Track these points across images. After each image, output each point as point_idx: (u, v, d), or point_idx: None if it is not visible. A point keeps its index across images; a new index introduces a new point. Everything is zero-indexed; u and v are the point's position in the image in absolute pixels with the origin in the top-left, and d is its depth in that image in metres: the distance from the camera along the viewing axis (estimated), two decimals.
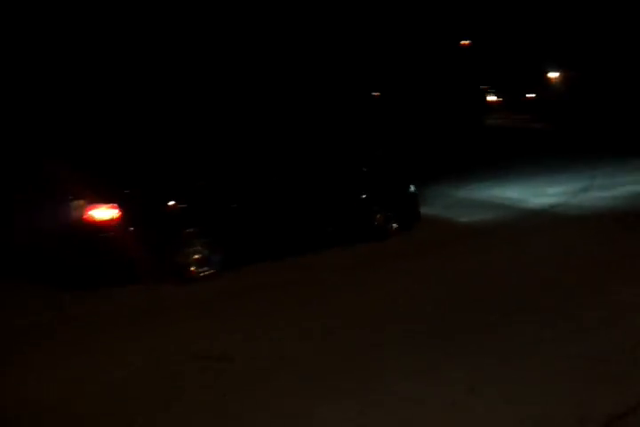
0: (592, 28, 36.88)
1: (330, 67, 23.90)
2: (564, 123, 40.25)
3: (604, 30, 36.49)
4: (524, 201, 14.20)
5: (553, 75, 55.41)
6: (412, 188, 11.57)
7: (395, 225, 10.87)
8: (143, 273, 7.63)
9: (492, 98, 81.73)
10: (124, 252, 7.53)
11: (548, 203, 13.92)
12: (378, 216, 10.58)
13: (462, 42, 38.17)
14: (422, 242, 10.50)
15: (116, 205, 7.80)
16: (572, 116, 40.87)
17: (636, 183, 15.03)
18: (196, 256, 8.23)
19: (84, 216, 7.72)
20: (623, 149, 21.83)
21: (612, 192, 14.51)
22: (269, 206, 9.31)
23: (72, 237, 7.60)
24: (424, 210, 11.90)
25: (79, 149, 9.22)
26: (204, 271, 8.25)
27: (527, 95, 79.48)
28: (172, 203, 8.24)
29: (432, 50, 32.39)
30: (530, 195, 14.72)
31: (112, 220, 7.71)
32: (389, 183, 11.38)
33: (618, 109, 34.12)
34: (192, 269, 8.16)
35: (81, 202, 7.74)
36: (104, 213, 7.69)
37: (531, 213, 13.13)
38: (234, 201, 8.94)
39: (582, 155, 22.13)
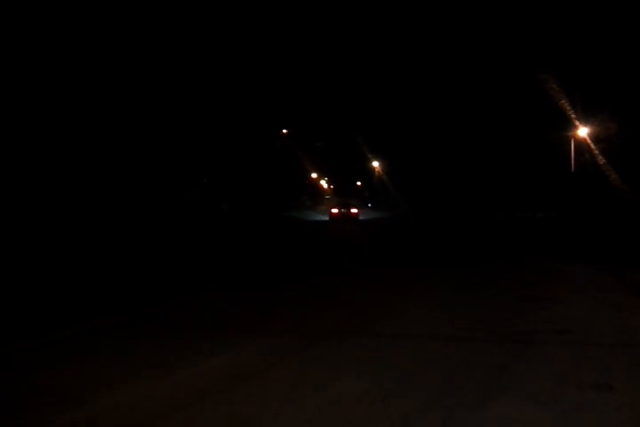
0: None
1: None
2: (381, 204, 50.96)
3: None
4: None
5: (375, 164, 59.15)
6: None
7: None
8: None
9: (325, 185, 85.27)
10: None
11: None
12: None
13: (284, 131, 39.97)
14: None
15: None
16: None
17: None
18: None
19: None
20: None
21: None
22: None
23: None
24: None
25: None
26: None
27: (357, 183, 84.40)
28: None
29: (254, 140, 33.16)
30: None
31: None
32: None
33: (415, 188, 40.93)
34: None
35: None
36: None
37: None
38: None
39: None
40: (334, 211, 35.70)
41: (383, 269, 12.96)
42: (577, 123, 31.54)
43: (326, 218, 36.56)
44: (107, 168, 20.79)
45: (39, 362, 5.85)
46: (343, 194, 75.85)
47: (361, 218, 37.22)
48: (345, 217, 34.12)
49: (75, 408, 4.48)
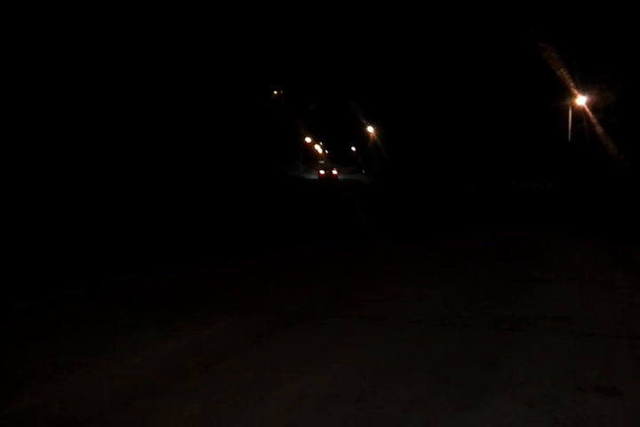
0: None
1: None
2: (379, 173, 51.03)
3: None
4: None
5: (370, 129, 57.96)
6: None
7: None
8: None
9: (319, 149, 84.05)
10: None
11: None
12: None
13: (274, 92, 38.88)
14: None
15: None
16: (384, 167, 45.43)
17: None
18: None
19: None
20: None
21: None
22: None
23: None
24: None
25: None
26: None
27: (352, 148, 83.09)
28: None
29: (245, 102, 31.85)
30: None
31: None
32: None
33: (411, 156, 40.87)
34: None
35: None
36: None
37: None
38: None
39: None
40: (322, 172, 52.33)
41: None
42: (575, 92, 30.59)
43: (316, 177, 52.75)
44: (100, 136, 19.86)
45: None
46: (337, 159, 74.95)
47: (339, 178, 53.15)
48: (328, 177, 50.77)
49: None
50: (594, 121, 30.42)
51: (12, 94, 14.21)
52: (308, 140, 68.43)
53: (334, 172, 52.72)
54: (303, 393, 3.92)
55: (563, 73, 29.70)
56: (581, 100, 30.65)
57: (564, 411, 3.62)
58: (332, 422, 3.54)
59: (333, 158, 78.27)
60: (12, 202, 12.57)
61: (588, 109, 30.81)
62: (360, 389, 4.00)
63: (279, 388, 4.03)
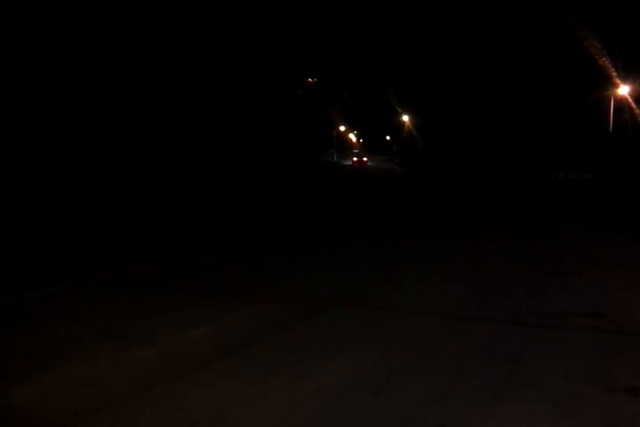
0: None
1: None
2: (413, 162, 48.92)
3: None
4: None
5: (405, 118, 57.32)
6: None
7: None
8: None
9: (353, 138, 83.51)
10: None
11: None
12: None
13: (308, 80, 38.66)
14: None
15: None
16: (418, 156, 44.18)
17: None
18: None
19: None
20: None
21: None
22: None
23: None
24: None
25: None
26: None
27: (386, 137, 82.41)
28: None
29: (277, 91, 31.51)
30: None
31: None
32: None
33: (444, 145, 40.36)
34: None
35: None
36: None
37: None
38: None
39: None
40: (354, 159, 60.01)
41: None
42: (617, 81, 29.71)
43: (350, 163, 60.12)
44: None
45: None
46: (371, 148, 74.83)
47: (369, 164, 59.37)
48: (360, 163, 58.47)
49: (17, 387, 3.88)
50: (637, 111, 29.54)
51: (11, 92, 14.40)
52: (342, 128, 68.11)
53: (365, 159, 61.38)
54: (321, 386, 3.88)
55: (605, 62, 28.87)
56: (624, 90, 29.73)
57: (591, 412, 3.49)
58: (353, 413, 3.49)
59: (367, 147, 77.80)
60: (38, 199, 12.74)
61: (630, 99, 29.91)
62: (380, 381, 3.93)
63: (301, 380, 3.99)
